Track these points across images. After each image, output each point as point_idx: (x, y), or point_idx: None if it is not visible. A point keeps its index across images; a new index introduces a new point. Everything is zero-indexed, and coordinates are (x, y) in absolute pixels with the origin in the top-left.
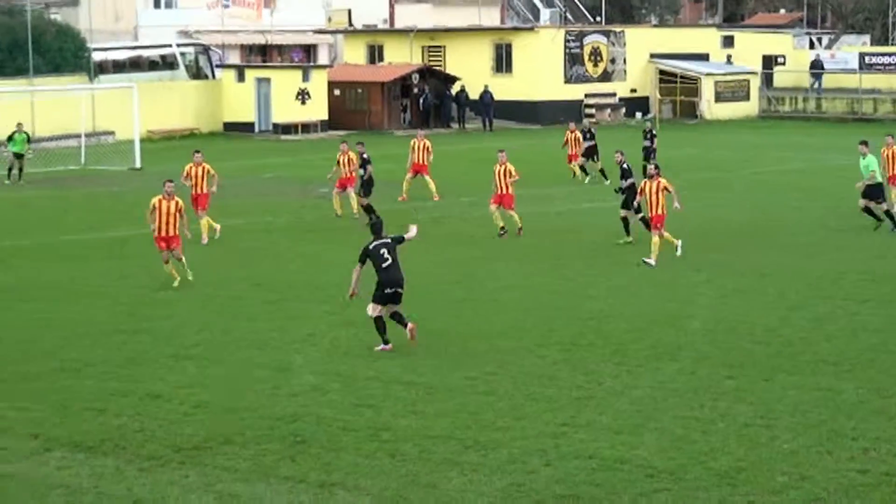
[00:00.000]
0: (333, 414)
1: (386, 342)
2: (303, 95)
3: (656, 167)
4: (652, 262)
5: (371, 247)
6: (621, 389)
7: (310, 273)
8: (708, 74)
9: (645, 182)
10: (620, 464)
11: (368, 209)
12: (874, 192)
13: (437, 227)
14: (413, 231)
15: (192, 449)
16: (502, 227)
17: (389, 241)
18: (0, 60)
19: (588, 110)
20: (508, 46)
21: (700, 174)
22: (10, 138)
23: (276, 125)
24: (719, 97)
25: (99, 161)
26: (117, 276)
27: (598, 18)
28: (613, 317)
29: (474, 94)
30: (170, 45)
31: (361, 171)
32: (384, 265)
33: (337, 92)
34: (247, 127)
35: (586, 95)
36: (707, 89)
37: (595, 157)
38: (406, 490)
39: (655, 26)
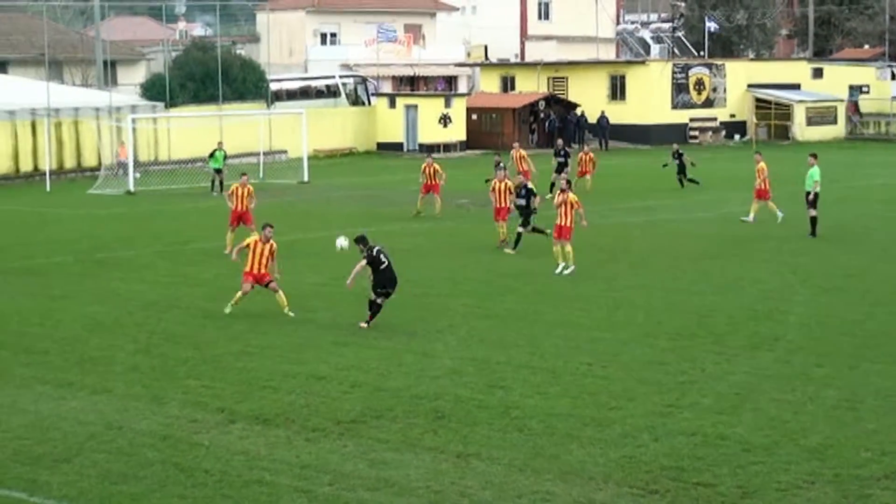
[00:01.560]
0: (469, 394)
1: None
2: (445, 120)
3: (568, 182)
4: (570, 270)
5: (375, 252)
6: (721, 375)
7: (450, 270)
8: (800, 102)
9: (557, 194)
10: (720, 440)
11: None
12: (815, 202)
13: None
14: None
15: (350, 422)
16: (503, 240)
17: (382, 248)
18: (195, 89)
19: (692, 132)
20: (622, 77)
21: (794, 188)
22: (211, 155)
23: (421, 145)
24: (810, 121)
25: (274, 175)
26: (289, 272)
27: (701, 53)
28: (716, 311)
29: (592, 119)
30: (333, 77)
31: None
32: (381, 267)
33: (474, 116)
34: (397, 147)
35: (691, 119)
36: (799, 114)
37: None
38: (533, 460)
39: (752, 60)
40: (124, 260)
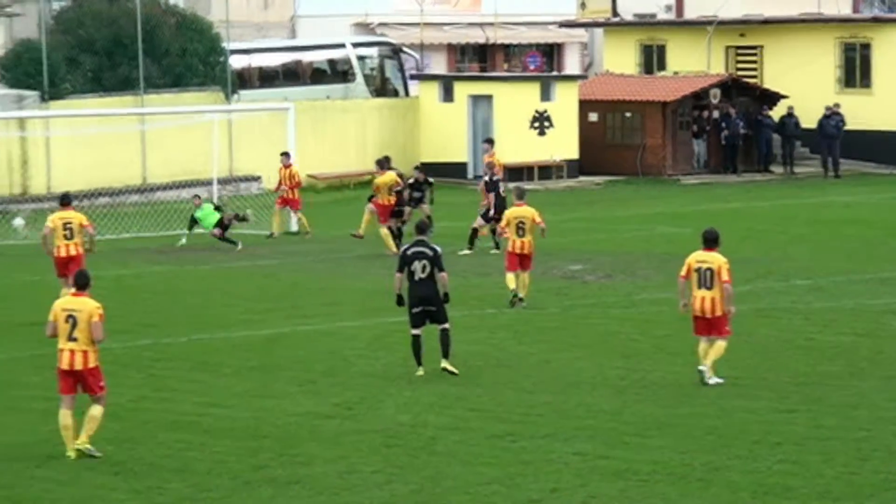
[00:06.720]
0: None
1: (419, 363)
2: (541, 122)
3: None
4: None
5: (409, 252)
6: None
7: (553, 391)
8: None
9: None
10: None
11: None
12: None
13: (762, 324)
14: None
15: None
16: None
17: (430, 253)
18: (96, 68)
19: None
20: (865, 48)
21: None
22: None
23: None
24: None
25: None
26: (261, 394)
27: None
28: None
29: (809, 122)
30: (342, 46)
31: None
32: (415, 278)
33: (593, 117)
34: (456, 170)
35: None
36: None
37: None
38: None
39: None
40: None
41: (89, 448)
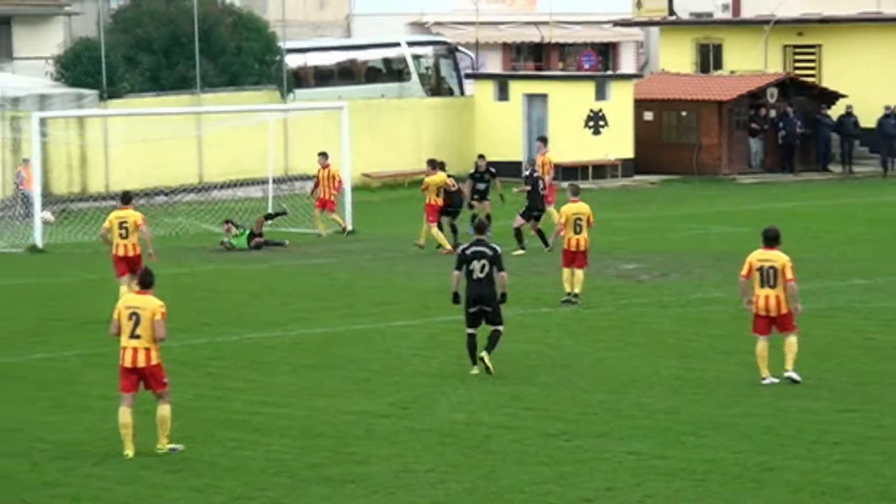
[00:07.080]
0: None
1: (474, 361)
2: (596, 121)
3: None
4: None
5: (468, 251)
6: None
7: (608, 390)
8: None
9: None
10: None
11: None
12: None
13: (820, 324)
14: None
15: None
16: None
17: (490, 252)
18: (154, 67)
19: None
20: None
21: None
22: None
23: (554, 166)
24: None
25: (292, 219)
26: (316, 392)
27: None
28: None
29: (868, 121)
30: (398, 45)
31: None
32: (474, 277)
33: (648, 116)
34: (510, 169)
35: None
36: None
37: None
38: None
39: None
40: (29, 369)
41: (173, 447)
